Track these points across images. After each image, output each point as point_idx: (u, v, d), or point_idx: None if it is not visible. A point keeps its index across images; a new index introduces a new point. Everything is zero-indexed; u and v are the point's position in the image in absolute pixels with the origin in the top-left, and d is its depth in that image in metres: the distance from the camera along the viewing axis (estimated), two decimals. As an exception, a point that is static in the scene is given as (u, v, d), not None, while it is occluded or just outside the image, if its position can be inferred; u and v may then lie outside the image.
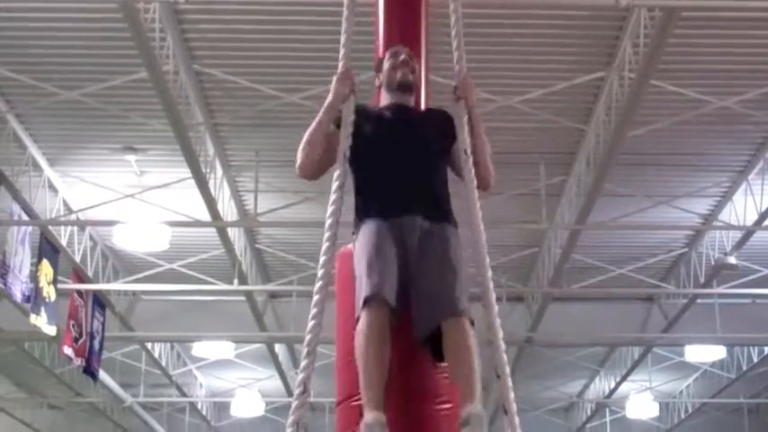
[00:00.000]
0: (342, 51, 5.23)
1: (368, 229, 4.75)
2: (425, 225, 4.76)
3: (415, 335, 4.57)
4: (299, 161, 5.06)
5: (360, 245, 4.74)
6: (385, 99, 5.17)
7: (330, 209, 4.83)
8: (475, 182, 4.97)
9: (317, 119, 5.02)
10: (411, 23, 5.98)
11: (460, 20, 5.34)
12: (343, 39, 5.25)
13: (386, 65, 5.18)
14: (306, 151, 5.02)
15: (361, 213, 4.86)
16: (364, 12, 6.27)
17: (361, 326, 4.47)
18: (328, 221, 4.82)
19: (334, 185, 4.88)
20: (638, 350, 21.21)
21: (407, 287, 4.61)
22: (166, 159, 13.69)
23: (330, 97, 5.05)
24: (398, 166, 4.88)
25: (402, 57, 5.15)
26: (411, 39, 5.87)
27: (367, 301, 4.48)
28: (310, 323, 4.60)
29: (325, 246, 4.74)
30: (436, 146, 5.02)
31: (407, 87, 5.12)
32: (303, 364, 4.57)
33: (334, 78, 5.10)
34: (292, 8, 10.76)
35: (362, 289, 4.53)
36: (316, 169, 5.05)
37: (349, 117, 5.00)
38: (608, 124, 12.03)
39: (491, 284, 4.79)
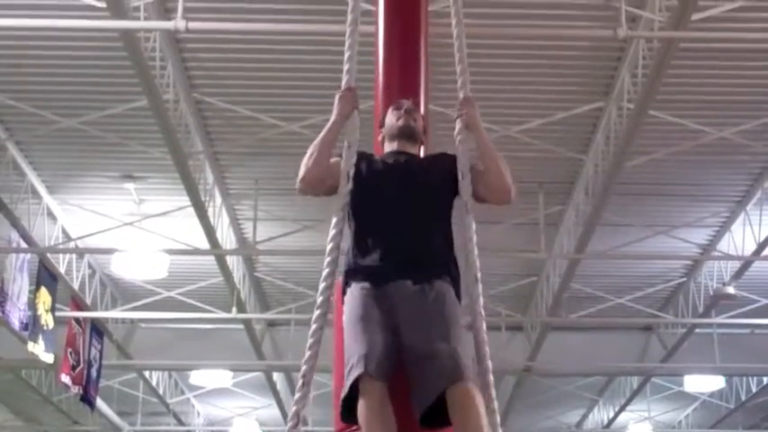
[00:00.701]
0: (345, 68, 5.17)
1: (353, 298, 4.61)
2: (415, 289, 4.59)
3: (415, 408, 4.38)
4: (300, 173, 4.88)
5: (346, 317, 4.62)
6: (388, 148, 5.08)
7: (330, 238, 4.77)
8: (470, 203, 4.87)
9: (319, 136, 4.94)
10: (411, 55, 6.02)
11: (464, 43, 5.27)
12: (346, 56, 5.18)
13: (388, 117, 5.11)
14: (307, 164, 4.86)
15: (351, 272, 4.73)
16: (364, 41, 6.30)
17: (360, 407, 4.33)
18: (329, 247, 4.76)
19: (335, 219, 4.81)
20: (636, 380, 21.18)
21: (400, 353, 4.45)
22: (166, 187, 13.71)
23: (333, 115, 5.01)
24: (394, 220, 4.73)
25: (405, 106, 5.10)
26: (411, 70, 5.90)
27: (359, 379, 4.33)
28: (307, 353, 4.56)
29: (324, 272, 4.71)
30: (439, 194, 4.87)
31: (410, 134, 5.04)
32: (297, 396, 4.52)
33: (337, 96, 5.06)
34: (292, 38, 10.79)
35: (349, 365, 4.39)
36: (315, 184, 4.89)
37: (354, 134, 4.97)
38: (607, 154, 12.05)
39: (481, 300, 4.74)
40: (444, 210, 4.89)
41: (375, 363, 4.33)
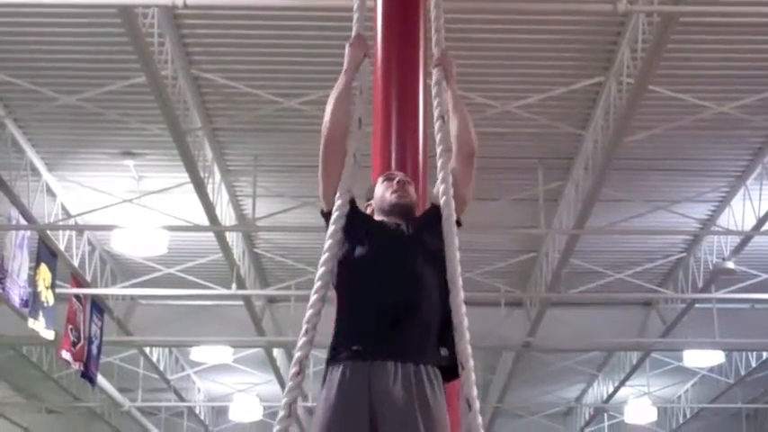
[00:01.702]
0: (355, 16, 5.17)
1: (330, 390, 4.32)
2: (399, 374, 4.29)
3: None
4: (324, 122, 4.72)
5: (319, 411, 4.34)
6: (378, 218, 4.78)
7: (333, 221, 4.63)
8: (450, 181, 4.69)
9: (335, 87, 4.85)
10: (410, 26, 6.02)
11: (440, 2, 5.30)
12: (356, 4, 5.19)
13: (378, 189, 4.79)
14: (328, 117, 4.73)
15: (333, 350, 4.42)
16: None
17: None
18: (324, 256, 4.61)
19: (339, 191, 4.69)
20: (636, 355, 21.21)
21: None
22: (165, 164, 13.70)
23: (345, 63, 4.96)
24: (381, 294, 4.40)
25: (397, 179, 4.79)
26: (409, 39, 5.90)
27: None
28: (301, 340, 4.48)
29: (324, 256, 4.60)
30: (430, 264, 4.51)
31: (403, 210, 4.71)
32: (290, 384, 4.44)
33: (348, 44, 5.03)
34: (290, 13, 10.76)
35: None
36: (339, 135, 4.71)
37: (366, 80, 4.95)
38: (606, 129, 12.03)
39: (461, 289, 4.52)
40: (434, 283, 4.51)
41: None
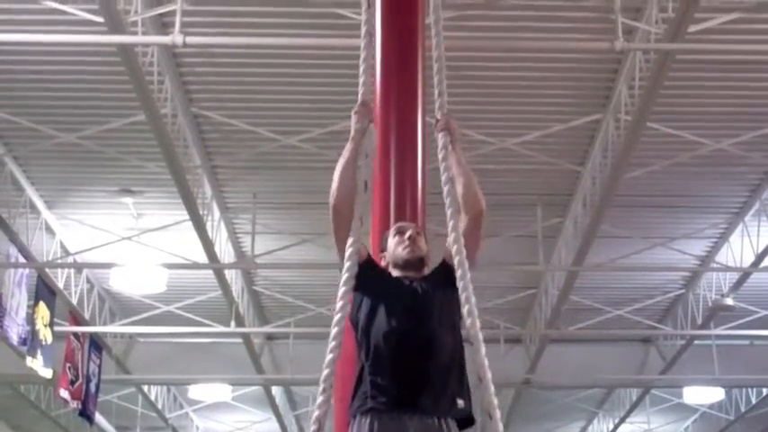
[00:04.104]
0: (360, 80, 5.19)
1: None
2: (421, 428, 4.42)
3: None
4: (332, 189, 4.77)
5: None
6: (393, 273, 4.89)
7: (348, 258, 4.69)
8: (460, 231, 4.78)
9: (342, 155, 4.88)
10: (408, 63, 6.04)
11: (443, 56, 5.30)
12: (361, 69, 5.20)
13: (391, 242, 4.93)
14: (335, 185, 4.78)
15: (360, 400, 4.53)
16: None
17: None
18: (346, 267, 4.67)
19: (351, 239, 4.73)
20: (636, 392, 21.17)
21: None
22: (164, 202, 13.71)
23: (351, 131, 5.00)
24: (401, 355, 4.52)
25: (408, 233, 4.89)
26: (407, 78, 5.91)
27: None
28: (319, 398, 4.48)
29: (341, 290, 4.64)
30: (445, 320, 4.67)
31: (416, 265, 4.83)
32: (319, 400, 4.46)
33: (353, 112, 5.05)
34: (290, 51, 10.80)
35: None
36: (346, 202, 4.77)
37: (371, 145, 4.97)
38: (604, 166, 12.06)
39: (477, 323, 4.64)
40: (453, 342, 4.66)
41: None
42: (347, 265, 4.66)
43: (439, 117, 5.14)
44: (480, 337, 4.57)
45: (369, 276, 4.73)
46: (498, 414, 4.48)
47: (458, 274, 4.68)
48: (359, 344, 4.66)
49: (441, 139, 5.05)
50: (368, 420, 4.45)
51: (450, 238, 4.77)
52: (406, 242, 4.85)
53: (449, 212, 4.86)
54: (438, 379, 4.51)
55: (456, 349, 4.63)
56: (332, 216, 4.80)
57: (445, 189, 4.92)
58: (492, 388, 4.49)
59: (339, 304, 4.60)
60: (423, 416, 4.44)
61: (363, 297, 4.70)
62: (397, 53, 6.34)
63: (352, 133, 4.98)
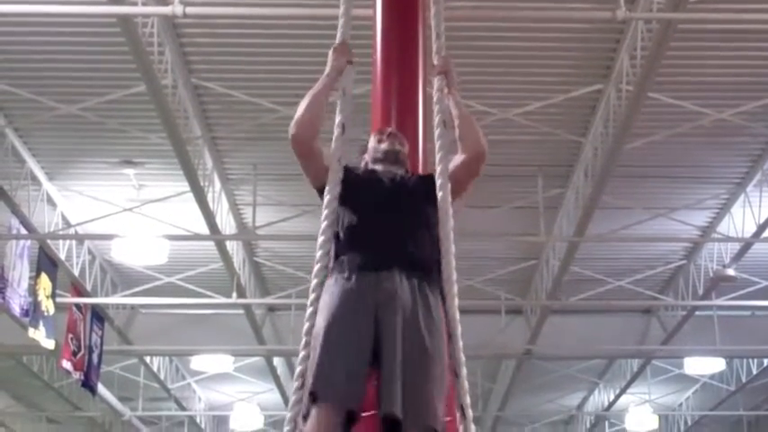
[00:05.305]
0: (340, 22, 5.20)
1: (333, 294, 4.47)
2: (404, 281, 4.48)
3: (381, 414, 4.28)
4: (294, 119, 4.81)
5: (321, 314, 4.46)
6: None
7: (325, 207, 4.73)
8: (448, 171, 4.81)
9: (314, 87, 4.88)
10: (410, 32, 6.02)
11: (441, 8, 5.33)
12: (341, 9, 5.22)
13: (371, 142, 5.02)
14: (301, 111, 4.80)
15: (335, 264, 4.60)
16: (362, 25, 6.30)
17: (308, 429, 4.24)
18: (323, 225, 4.71)
19: (329, 185, 4.76)
20: (637, 362, 21.21)
21: (376, 357, 4.34)
22: (165, 173, 13.71)
23: (327, 69, 4.98)
24: (385, 223, 4.61)
25: (388, 131, 5.03)
26: (409, 44, 5.89)
27: (314, 399, 4.24)
28: (301, 353, 4.49)
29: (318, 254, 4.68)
30: (425, 203, 4.75)
31: (394, 157, 4.90)
32: (293, 399, 4.44)
33: (331, 50, 5.04)
34: (290, 22, 10.78)
35: (311, 381, 4.30)
36: (308, 135, 4.81)
37: (349, 84, 4.98)
38: (606, 137, 12.04)
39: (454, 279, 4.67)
40: (431, 219, 4.74)
41: (337, 391, 4.24)
42: (334, 166, 4.73)
43: (436, 61, 5.14)
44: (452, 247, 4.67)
45: (346, 182, 4.76)
46: (465, 372, 4.53)
47: (441, 217, 4.74)
48: (336, 231, 4.69)
49: (436, 82, 5.06)
50: (344, 275, 4.50)
51: (438, 182, 4.81)
52: (384, 137, 4.98)
53: (438, 155, 4.88)
54: (422, 244, 4.61)
55: (434, 236, 4.69)
56: (293, 146, 4.86)
57: (437, 131, 4.94)
58: (461, 343, 4.57)
59: (325, 212, 4.67)
60: (408, 271, 4.50)
61: (343, 196, 4.74)
62: (398, 14, 6.30)
63: (328, 70, 4.98)
